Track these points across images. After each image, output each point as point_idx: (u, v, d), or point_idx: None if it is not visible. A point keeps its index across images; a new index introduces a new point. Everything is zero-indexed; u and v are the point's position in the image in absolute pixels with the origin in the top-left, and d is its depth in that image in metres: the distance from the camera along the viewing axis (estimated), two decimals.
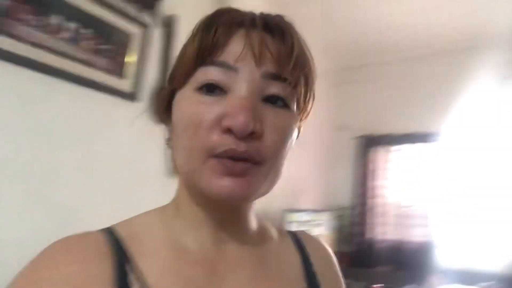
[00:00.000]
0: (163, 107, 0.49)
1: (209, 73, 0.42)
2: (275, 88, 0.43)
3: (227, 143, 0.39)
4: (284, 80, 0.43)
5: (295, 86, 0.44)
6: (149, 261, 0.42)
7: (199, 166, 0.41)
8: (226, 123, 0.39)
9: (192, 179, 0.43)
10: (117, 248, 0.42)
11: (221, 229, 0.47)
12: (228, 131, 0.39)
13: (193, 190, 0.45)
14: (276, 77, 0.42)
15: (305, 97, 0.47)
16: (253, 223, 0.51)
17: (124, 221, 0.47)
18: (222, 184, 0.40)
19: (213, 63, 0.42)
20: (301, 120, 0.49)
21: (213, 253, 0.46)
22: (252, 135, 0.40)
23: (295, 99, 0.45)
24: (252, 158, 0.40)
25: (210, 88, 0.42)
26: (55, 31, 1.27)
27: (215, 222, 0.47)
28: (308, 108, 0.49)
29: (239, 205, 0.48)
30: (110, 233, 0.44)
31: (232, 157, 0.40)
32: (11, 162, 1.20)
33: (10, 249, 1.14)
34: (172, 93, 0.46)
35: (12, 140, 1.20)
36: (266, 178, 0.43)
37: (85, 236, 0.43)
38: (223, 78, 0.41)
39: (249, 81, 0.41)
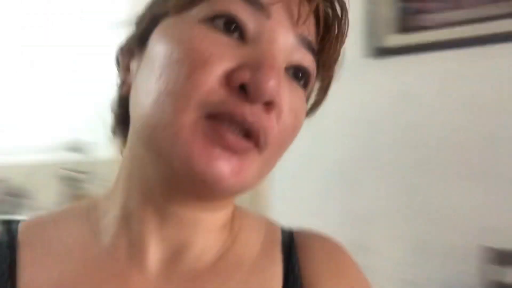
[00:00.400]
0: (136, 39, 0.36)
1: (232, 5, 0.30)
2: (305, 60, 0.33)
3: (236, 102, 0.28)
4: (315, 55, 0.34)
5: (324, 69, 0.36)
6: (35, 275, 0.33)
7: (180, 122, 0.28)
8: (244, 76, 0.28)
9: (160, 141, 0.30)
10: (8, 252, 0.34)
11: (165, 234, 0.34)
12: (241, 89, 0.29)
13: (149, 158, 0.32)
14: (310, 48, 0.33)
15: (326, 86, 0.38)
16: (221, 229, 0.37)
17: (40, 214, 0.39)
18: (209, 157, 0.28)
19: None
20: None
21: (136, 270, 0.33)
22: (267, 107, 0.29)
23: (313, 85, 0.36)
24: (256, 137, 0.29)
25: (228, 25, 0.30)
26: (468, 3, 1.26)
27: (159, 219, 0.33)
28: (321, 101, 0.39)
29: (213, 199, 0.34)
30: (9, 232, 0.36)
31: (240, 126, 0.29)
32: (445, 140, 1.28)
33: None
34: (154, 21, 0.34)
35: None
36: (261, 171, 0.32)
37: None
38: (248, 19, 0.30)
39: (282, 35, 0.31)
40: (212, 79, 0.29)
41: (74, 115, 2.11)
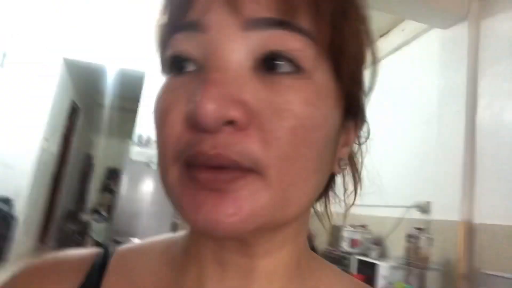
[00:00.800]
0: None
1: (175, 44, 0.28)
2: (274, 42, 0.27)
3: (197, 140, 0.26)
4: (288, 26, 0.26)
5: (320, 33, 0.27)
6: None
7: (169, 182, 0.28)
8: (191, 110, 0.26)
9: (168, 199, 0.30)
10: (97, 275, 0.35)
11: (226, 283, 0.32)
12: (196, 125, 0.26)
13: None
14: (269, 23, 0.26)
15: (346, 46, 0.29)
16: (286, 280, 0.33)
17: (133, 244, 0.39)
18: (194, 205, 0.26)
19: (179, 28, 0.28)
20: (351, 92, 0.31)
21: None
22: (232, 128, 0.26)
23: (326, 55, 0.28)
24: (234, 165, 0.25)
25: (179, 66, 0.29)
26: None
27: (217, 266, 0.33)
28: (361, 67, 0.31)
29: (247, 239, 0.31)
30: (104, 256, 0.36)
31: (207, 165, 0.26)
32: None
33: None
34: None
35: None
36: (278, 195, 0.27)
37: (58, 264, 0.36)
38: (193, 47, 0.28)
39: (224, 36, 0.27)
40: (175, 128, 0.27)
41: (424, 178, 2.35)
